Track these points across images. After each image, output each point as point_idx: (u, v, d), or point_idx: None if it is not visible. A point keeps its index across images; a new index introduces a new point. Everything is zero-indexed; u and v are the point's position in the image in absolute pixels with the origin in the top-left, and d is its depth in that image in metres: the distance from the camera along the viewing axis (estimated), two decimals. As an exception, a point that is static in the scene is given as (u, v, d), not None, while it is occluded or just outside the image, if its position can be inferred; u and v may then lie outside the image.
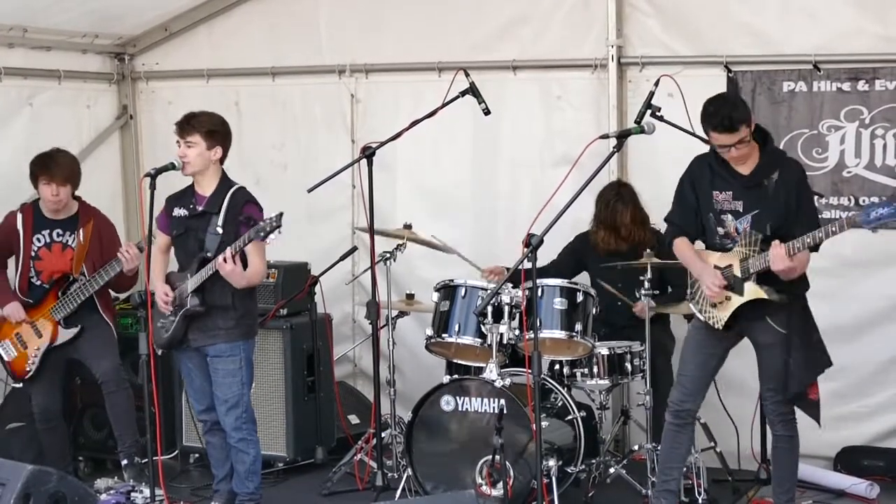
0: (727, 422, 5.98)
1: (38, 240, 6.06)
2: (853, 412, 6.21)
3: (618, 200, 6.15)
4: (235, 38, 7.31)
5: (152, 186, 5.31)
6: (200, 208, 5.46)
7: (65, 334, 6.04)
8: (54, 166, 5.98)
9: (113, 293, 6.31)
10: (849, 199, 6.12)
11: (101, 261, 6.04)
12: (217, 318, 5.42)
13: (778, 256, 4.77)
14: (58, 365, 6.15)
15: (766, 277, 4.89)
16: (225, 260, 5.21)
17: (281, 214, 5.15)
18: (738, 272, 4.95)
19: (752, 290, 4.92)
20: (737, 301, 4.96)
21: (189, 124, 5.43)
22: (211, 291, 5.39)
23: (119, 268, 5.93)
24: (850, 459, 6.09)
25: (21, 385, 6.16)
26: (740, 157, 4.95)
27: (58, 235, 6.08)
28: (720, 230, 5.05)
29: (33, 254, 6.05)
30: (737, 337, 5.14)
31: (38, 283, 6.08)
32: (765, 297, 4.89)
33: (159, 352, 5.44)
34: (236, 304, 5.43)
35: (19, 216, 6.08)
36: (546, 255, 6.08)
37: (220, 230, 5.36)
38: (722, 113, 4.86)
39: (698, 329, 5.18)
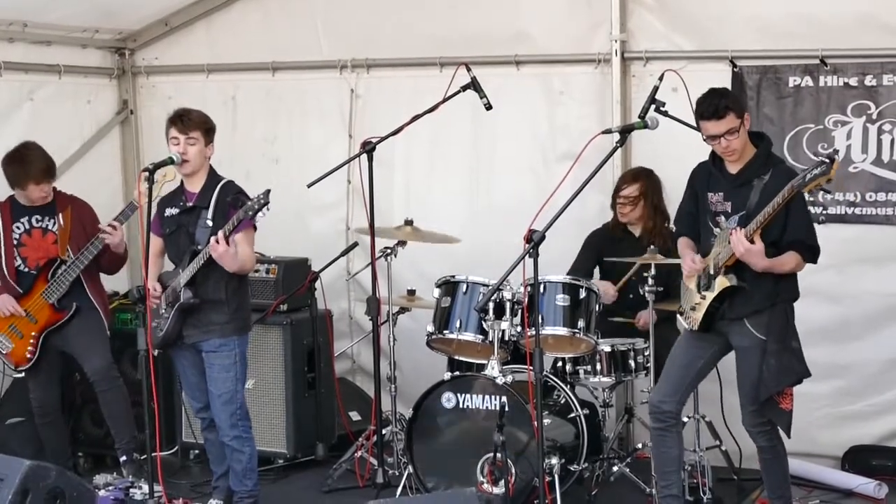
0: (732, 420, 5.90)
1: (18, 227, 6.04)
2: (861, 411, 6.15)
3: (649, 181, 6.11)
4: (235, 33, 7.28)
5: (150, 181, 5.27)
6: (191, 204, 5.45)
7: (61, 316, 5.99)
8: (32, 169, 5.91)
9: (109, 281, 6.28)
10: (855, 195, 6.03)
11: (86, 242, 6.01)
12: (211, 312, 5.41)
13: (737, 241, 4.72)
14: (54, 359, 6.12)
15: (755, 276, 4.81)
16: (217, 242, 5.18)
17: (268, 192, 5.13)
18: (711, 270, 4.93)
19: (720, 282, 4.89)
20: (709, 298, 4.92)
21: (190, 119, 5.42)
22: (203, 285, 5.38)
23: (103, 242, 5.89)
24: (858, 459, 6.04)
25: (23, 374, 6.11)
26: (732, 151, 4.90)
27: (37, 221, 6.05)
28: (716, 231, 5.00)
29: (15, 241, 6.03)
30: (724, 342, 5.06)
31: (26, 270, 6.04)
32: (729, 284, 4.83)
33: (155, 352, 5.40)
34: (229, 298, 5.41)
35: None
36: (547, 253, 6.01)
37: (209, 223, 5.35)
38: (709, 100, 4.87)
39: (687, 333, 5.15)
